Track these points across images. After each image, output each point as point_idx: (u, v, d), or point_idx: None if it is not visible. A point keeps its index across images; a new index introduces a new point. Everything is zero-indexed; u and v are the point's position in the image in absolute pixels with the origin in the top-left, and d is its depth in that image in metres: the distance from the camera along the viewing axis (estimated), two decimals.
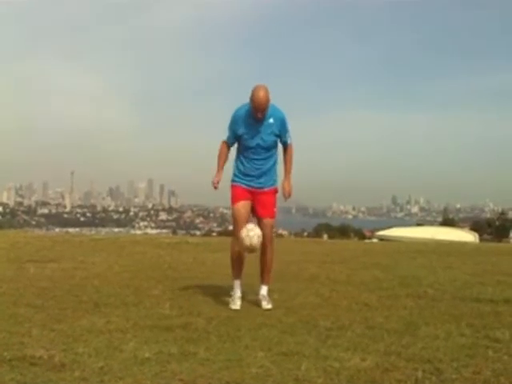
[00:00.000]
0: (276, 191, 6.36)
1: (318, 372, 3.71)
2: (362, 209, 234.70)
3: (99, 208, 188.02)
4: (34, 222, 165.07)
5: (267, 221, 6.25)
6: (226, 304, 6.00)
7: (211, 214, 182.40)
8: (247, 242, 5.89)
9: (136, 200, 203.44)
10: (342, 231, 79.86)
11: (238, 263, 6.31)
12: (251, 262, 6.49)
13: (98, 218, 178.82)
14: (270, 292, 6.46)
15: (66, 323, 4.94)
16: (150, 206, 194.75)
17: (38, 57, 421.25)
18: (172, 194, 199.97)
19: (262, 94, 5.88)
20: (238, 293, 6.15)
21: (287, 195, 6.35)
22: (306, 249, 13.63)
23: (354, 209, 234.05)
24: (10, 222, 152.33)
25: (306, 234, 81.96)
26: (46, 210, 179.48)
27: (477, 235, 40.56)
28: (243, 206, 6.19)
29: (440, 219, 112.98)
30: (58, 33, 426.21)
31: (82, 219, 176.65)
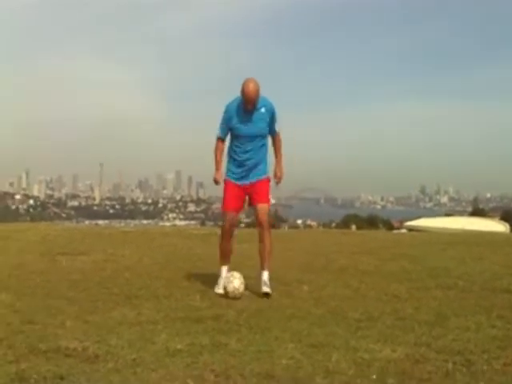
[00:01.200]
0: (269, 180, 6.60)
1: (349, 363, 3.74)
2: (391, 199, 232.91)
3: (128, 200, 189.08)
4: (64, 215, 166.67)
5: (262, 205, 6.46)
6: (256, 296, 6.04)
7: None
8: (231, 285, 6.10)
9: (164, 192, 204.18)
10: (371, 222, 79.44)
11: (226, 253, 6.65)
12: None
13: (126, 210, 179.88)
14: (298, 283, 6.52)
15: (98, 315, 5.02)
16: (178, 197, 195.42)
17: (66, 50, 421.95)
18: (200, 185, 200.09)
19: (251, 86, 6.16)
20: (223, 275, 6.40)
21: (278, 180, 6.69)
22: (335, 240, 13.61)
23: (382, 199, 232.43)
24: (41, 215, 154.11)
25: (334, 224, 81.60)
26: (75, 203, 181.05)
27: (508, 225, 39.99)
28: (234, 216, 6.56)
29: (470, 209, 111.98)
30: (89, 28, 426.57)
31: (111, 211, 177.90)
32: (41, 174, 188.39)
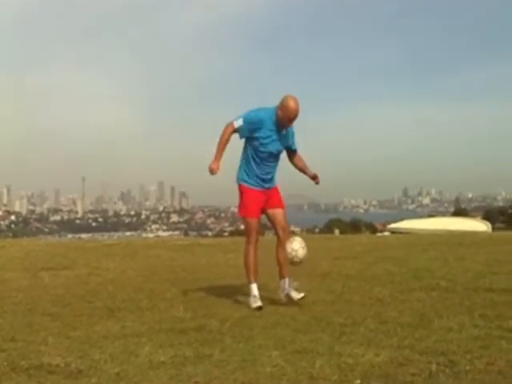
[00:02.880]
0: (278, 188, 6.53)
1: (333, 369, 3.74)
2: (374, 202, 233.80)
3: (111, 212, 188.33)
4: (46, 230, 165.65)
5: (281, 211, 6.44)
6: (240, 304, 6.04)
7: (222, 214, 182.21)
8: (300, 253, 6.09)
9: (147, 203, 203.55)
10: (354, 226, 79.70)
11: (254, 269, 6.32)
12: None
13: (109, 223, 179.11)
14: (279, 290, 6.53)
15: (81, 330, 4.99)
16: (161, 208, 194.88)
17: (47, 63, 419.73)
18: (183, 195, 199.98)
19: (296, 105, 6.01)
20: (256, 292, 6.12)
21: (317, 176, 6.64)
22: (318, 245, 13.59)
23: (365, 203, 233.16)
24: (23, 231, 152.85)
25: (317, 230, 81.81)
26: (58, 217, 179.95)
27: (489, 224, 40.33)
28: (258, 222, 6.34)
29: (452, 209, 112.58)
30: (69, 38, 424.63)
31: (93, 224, 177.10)
32: (22, 189, 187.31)
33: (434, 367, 3.73)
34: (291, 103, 5.99)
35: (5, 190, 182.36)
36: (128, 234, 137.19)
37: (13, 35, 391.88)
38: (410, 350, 4.12)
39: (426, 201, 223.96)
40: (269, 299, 6.24)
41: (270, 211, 6.38)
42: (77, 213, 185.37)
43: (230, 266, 9.28)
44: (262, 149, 6.19)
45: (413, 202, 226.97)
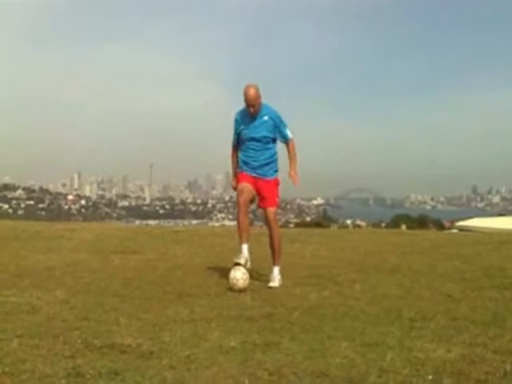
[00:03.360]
0: (277, 182, 7.07)
1: (403, 363, 3.69)
2: (441, 199, 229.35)
3: (177, 200, 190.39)
4: (115, 215, 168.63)
5: (269, 210, 6.97)
6: (308, 294, 6.01)
7: (288, 206, 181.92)
8: (241, 283, 6.36)
9: (214, 192, 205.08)
10: (421, 222, 78.42)
11: (243, 229, 6.85)
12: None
13: (176, 211, 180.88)
14: (350, 282, 6.51)
15: (151, 313, 5.06)
16: (227, 198, 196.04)
17: (118, 42, 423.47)
18: None
19: (251, 91, 6.67)
20: (245, 253, 6.70)
21: (295, 182, 6.96)
22: (385, 239, 13.48)
23: (432, 199, 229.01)
24: (93, 215, 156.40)
25: (383, 224, 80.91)
26: (126, 203, 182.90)
27: None
28: (246, 185, 6.87)
29: None
30: (138, 18, 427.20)
31: (160, 211, 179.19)
32: (92, 174, 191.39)
33: (508, 366, 3.64)
34: (246, 91, 6.68)
35: (76, 175, 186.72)
36: (194, 222, 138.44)
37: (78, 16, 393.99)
38: (483, 348, 4.03)
39: (496, 199, 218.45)
40: (337, 291, 6.21)
41: (263, 209, 7.03)
42: (144, 199, 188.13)
43: (296, 256, 9.27)
44: (242, 137, 6.98)
45: (482, 200, 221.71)
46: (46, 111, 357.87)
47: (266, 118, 6.82)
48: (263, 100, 6.86)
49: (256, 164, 6.92)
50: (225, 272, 6.97)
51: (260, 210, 7.13)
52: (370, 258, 9.20)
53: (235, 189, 7.00)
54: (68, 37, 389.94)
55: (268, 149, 6.95)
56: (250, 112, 6.77)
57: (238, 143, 7.09)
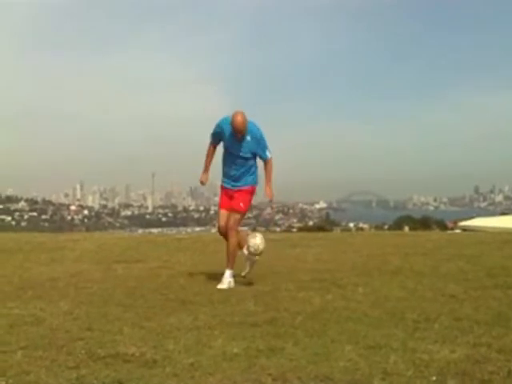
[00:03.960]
0: (251, 189, 7.39)
1: (407, 365, 3.69)
2: (444, 199, 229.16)
3: (180, 208, 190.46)
4: (117, 224, 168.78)
5: (233, 215, 7.28)
6: (311, 299, 6.01)
7: (290, 210, 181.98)
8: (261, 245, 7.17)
9: (216, 199, 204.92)
10: (424, 223, 78.42)
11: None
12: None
13: (179, 218, 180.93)
14: (353, 285, 6.52)
15: (154, 321, 5.06)
16: None
17: (116, 48, 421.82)
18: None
19: (240, 120, 6.89)
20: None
21: (270, 197, 7.47)
22: (388, 241, 13.48)
23: (435, 200, 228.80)
24: (96, 225, 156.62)
25: (386, 227, 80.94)
26: (128, 212, 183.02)
27: None
28: (223, 213, 7.39)
29: None
30: (136, 23, 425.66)
31: (163, 219, 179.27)
32: (94, 184, 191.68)
33: None
34: (235, 119, 6.89)
35: (78, 186, 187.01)
36: (197, 229, 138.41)
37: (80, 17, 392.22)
38: (487, 348, 4.03)
39: (499, 198, 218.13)
40: (340, 294, 6.21)
41: (229, 212, 7.32)
42: (147, 208, 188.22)
43: (299, 261, 9.28)
44: (227, 152, 7.25)
45: (485, 200, 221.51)
46: (46, 121, 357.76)
47: (248, 138, 7.06)
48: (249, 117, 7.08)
49: (235, 175, 7.29)
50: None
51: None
52: (373, 260, 9.20)
53: (202, 183, 7.56)
54: (66, 45, 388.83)
55: (248, 164, 7.27)
56: (237, 137, 7.04)
57: (216, 143, 7.40)
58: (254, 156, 7.27)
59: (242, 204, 7.29)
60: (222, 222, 7.33)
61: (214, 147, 7.44)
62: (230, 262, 7.17)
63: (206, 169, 7.54)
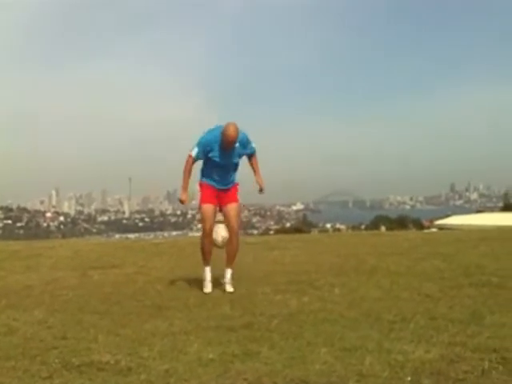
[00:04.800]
0: (237, 186, 7.29)
1: (383, 366, 3.70)
2: (420, 198, 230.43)
3: (157, 212, 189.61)
4: (94, 230, 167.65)
5: (231, 205, 7.15)
6: (288, 301, 6.00)
7: (268, 213, 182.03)
8: (219, 238, 7.08)
9: (193, 202, 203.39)
10: (400, 222, 78.91)
11: (208, 253, 7.17)
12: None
13: (156, 223, 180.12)
14: (330, 286, 6.54)
15: (130, 328, 5.02)
16: None
17: (98, 57, 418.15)
18: None
19: (234, 132, 6.73)
20: (208, 277, 7.04)
21: (262, 187, 7.36)
22: (364, 241, 13.53)
23: (411, 199, 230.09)
24: (72, 231, 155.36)
25: (363, 227, 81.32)
26: (105, 217, 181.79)
27: None
28: (210, 207, 7.11)
29: (501, 205, 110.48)
30: (121, 32, 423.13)
31: (140, 224, 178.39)
32: (70, 190, 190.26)
33: (486, 364, 3.66)
34: (227, 131, 6.71)
35: (54, 192, 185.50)
36: (174, 233, 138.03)
37: (64, 27, 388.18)
38: (462, 347, 4.05)
39: (474, 196, 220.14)
40: (317, 296, 6.21)
41: (224, 206, 7.13)
42: (124, 213, 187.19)
43: (276, 263, 9.27)
44: (215, 162, 6.99)
45: (460, 198, 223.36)
46: (20, 128, 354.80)
47: (237, 145, 6.94)
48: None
49: (223, 181, 7.14)
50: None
51: (223, 211, 7.21)
52: (350, 260, 9.21)
53: (182, 202, 7.12)
54: (46, 52, 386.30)
55: (235, 170, 7.23)
56: (226, 147, 6.87)
57: (200, 159, 7.08)
58: (239, 161, 7.23)
59: (237, 196, 7.24)
60: (211, 220, 7.06)
61: (193, 162, 7.08)
62: (231, 261, 7.13)
63: (186, 186, 7.13)
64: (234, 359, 3.96)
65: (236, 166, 7.20)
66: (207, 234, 7.06)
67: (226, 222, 7.13)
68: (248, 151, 7.18)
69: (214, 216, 7.12)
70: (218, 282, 7.07)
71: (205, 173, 7.19)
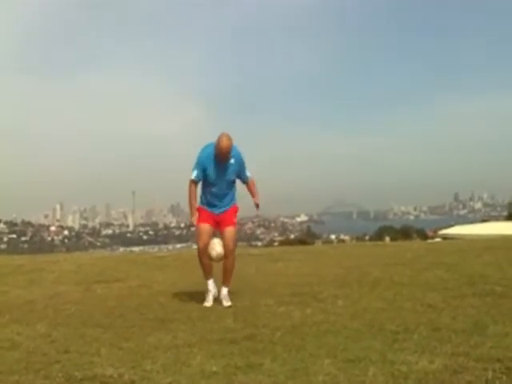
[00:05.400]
0: (235, 209, 7.32)
1: (386, 377, 3.69)
2: (424, 208, 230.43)
3: (161, 225, 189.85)
4: (98, 244, 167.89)
5: (228, 228, 7.17)
6: (290, 313, 6.00)
7: (272, 224, 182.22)
8: (214, 252, 7.03)
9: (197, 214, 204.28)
10: (404, 233, 78.77)
11: (206, 266, 7.23)
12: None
13: (160, 236, 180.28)
14: (333, 298, 6.53)
15: (133, 341, 5.02)
16: None
17: (92, 68, 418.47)
18: None
19: (227, 143, 6.78)
20: (210, 290, 7.10)
21: (257, 203, 7.38)
22: (368, 252, 13.52)
23: (415, 209, 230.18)
24: (76, 245, 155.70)
25: (367, 237, 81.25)
26: (109, 231, 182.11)
27: None
28: (206, 226, 7.14)
29: (505, 214, 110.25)
30: (111, 40, 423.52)
31: (144, 237, 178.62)
32: (75, 204, 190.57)
33: (490, 374, 3.65)
34: (220, 142, 6.78)
35: (58, 206, 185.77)
36: (178, 246, 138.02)
37: (63, 33, 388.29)
38: (465, 357, 4.04)
39: (478, 205, 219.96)
40: (320, 308, 6.21)
41: (222, 230, 7.18)
42: (128, 226, 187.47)
43: (279, 275, 9.26)
44: (209, 180, 7.09)
45: (464, 208, 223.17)
46: (23, 143, 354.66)
47: (232, 161, 7.00)
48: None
49: (219, 204, 7.19)
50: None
51: (220, 234, 7.26)
52: (353, 272, 9.20)
53: (193, 225, 7.21)
54: (43, 65, 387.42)
55: (231, 188, 7.27)
56: (220, 160, 6.92)
57: (200, 180, 7.16)
58: (235, 179, 7.24)
59: (234, 220, 7.26)
60: (205, 239, 7.08)
61: (196, 185, 7.17)
62: (228, 279, 7.14)
63: (194, 211, 7.19)
64: (236, 371, 3.96)
65: (232, 184, 7.25)
66: (202, 251, 7.12)
67: (222, 242, 7.14)
68: (242, 178, 7.26)
69: (209, 236, 7.16)
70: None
71: (203, 198, 7.27)
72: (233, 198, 7.30)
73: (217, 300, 7.01)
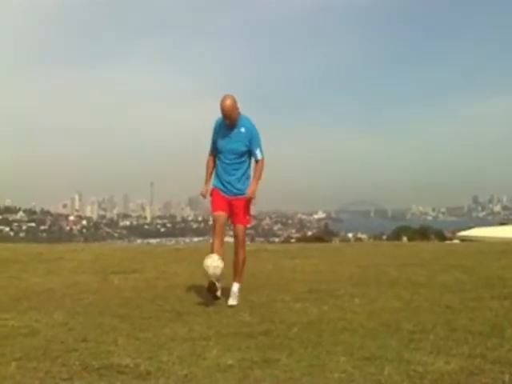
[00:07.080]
0: (249, 199, 7.02)
1: (402, 376, 3.69)
2: (442, 209, 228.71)
3: (179, 218, 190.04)
4: (116, 235, 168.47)
5: (239, 226, 7.00)
6: (307, 310, 6.01)
7: (289, 221, 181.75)
8: (211, 270, 6.60)
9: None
10: (422, 233, 77.95)
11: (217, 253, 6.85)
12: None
13: (177, 228, 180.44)
14: (350, 296, 6.49)
15: (150, 332, 5.06)
16: None
17: (112, 61, 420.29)
18: None
19: (227, 102, 6.67)
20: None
21: (250, 194, 6.94)
22: (386, 252, 13.45)
23: (433, 210, 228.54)
24: (94, 235, 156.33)
25: (385, 237, 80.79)
26: (127, 222, 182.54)
27: None
28: (221, 215, 6.90)
29: None
30: (131, 36, 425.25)
31: (162, 230, 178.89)
32: (93, 195, 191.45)
33: (506, 377, 3.64)
34: (222, 102, 6.67)
35: (76, 196, 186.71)
36: (196, 239, 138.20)
37: (76, 30, 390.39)
38: (482, 359, 4.03)
39: (498, 208, 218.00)
40: (337, 305, 6.20)
41: (233, 225, 7.03)
42: (145, 218, 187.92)
43: (296, 272, 9.26)
44: (218, 148, 6.97)
45: (483, 210, 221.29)
46: (44, 132, 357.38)
47: (242, 129, 6.85)
48: (243, 113, 6.91)
49: (230, 179, 6.95)
50: (224, 289, 6.96)
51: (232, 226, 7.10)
52: (370, 271, 9.18)
53: (204, 196, 7.09)
54: (64, 58, 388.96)
55: (242, 163, 6.98)
56: (226, 123, 6.80)
57: (214, 152, 7.09)
58: (248, 153, 6.97)
59: (248, 217, 7.08)
60: (219, 225, 6.86)
61: (214, 157, 7.07)
62: (239, 275, 6.97)
63: (207, 181, 7.15)
64: (253, 366, 3.98)
65: (242, 157, 6.95)
66: (217, 232, 6.89)
67: (233, 234, 7.07)
68: (253, 149, 6.91)
69: (226, 222, 6.97)
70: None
71: (215, 173, 7.10)
72: (245, 178, 7.02)
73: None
